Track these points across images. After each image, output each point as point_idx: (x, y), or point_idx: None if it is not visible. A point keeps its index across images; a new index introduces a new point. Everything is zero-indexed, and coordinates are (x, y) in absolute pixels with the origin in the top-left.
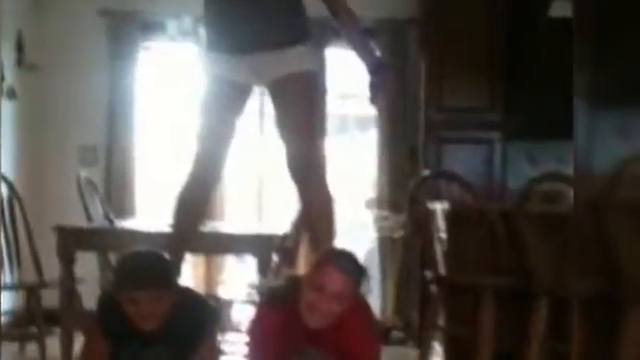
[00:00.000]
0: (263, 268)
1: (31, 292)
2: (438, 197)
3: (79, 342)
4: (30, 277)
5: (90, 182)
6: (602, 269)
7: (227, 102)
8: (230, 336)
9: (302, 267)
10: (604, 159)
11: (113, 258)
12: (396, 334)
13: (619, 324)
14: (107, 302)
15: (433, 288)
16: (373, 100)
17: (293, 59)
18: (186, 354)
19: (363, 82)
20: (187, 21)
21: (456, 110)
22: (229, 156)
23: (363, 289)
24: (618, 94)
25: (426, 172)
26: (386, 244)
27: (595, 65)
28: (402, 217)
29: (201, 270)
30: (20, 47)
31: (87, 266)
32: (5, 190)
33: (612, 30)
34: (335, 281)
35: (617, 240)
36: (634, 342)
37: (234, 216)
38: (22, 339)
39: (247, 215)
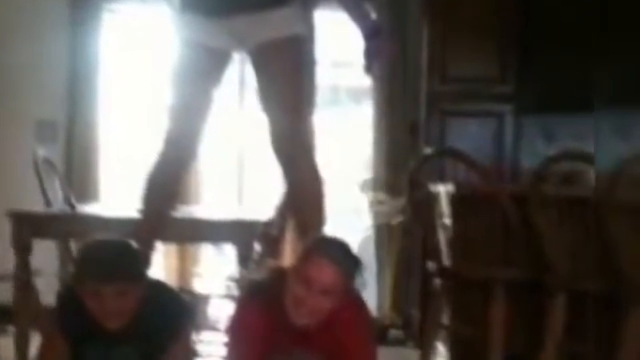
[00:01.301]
0: (244, 259)
1: None
2: (441, 178)
3: (36, 342)
4: None
5: (48, 162)
6: (602, 267)
7: (203, 71)
8: (206, 335)
9: (288, 257)
10: (604, 158)
11: (74, 247)
12: (394, 333)
13: (620, 323)
14: (67, 297)
15: (436, 281)
16: (368, 69)
17: (278, 22)
18: (157, 355)
19: (357, 49)
20: None
21: (462, 80)
22: (205, 132)
23: (357, 282)
24: (618, 94)
25: (428, 150)
26: (383, 232)
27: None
28: (401, 201)
29: (174, 261)
30: None
31: (45, 256)
32: None
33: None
34: (325, 273)
35: (617, 240)
36: (635, 341)
37: (211, 200)
38: None
39: (226, 199)
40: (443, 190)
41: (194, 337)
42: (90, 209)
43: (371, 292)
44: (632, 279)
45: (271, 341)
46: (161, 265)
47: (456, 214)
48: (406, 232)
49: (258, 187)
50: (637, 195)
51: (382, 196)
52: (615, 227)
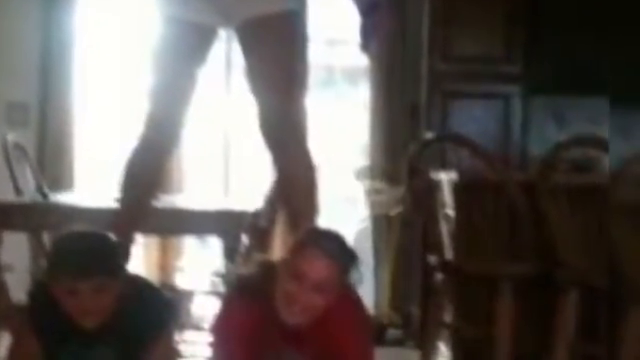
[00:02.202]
0: (230, 252)
1: None
2: (444, 165)
3: (5, 342)
4: None
5: (19, 147)
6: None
7: (186, 49)
8: (190, 335)
9: (278, 251)
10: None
11: (47, 240)
12: (393, 333)
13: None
14: (40, 294)
15: (438, 277)
16: (365, 47)
17: None
18: (136, 356)
19: (353, 25)
20: None
21: (466, 59)
22: (189, 115)
23: (352, 278)
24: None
25: (429, 135)
26: (380, 223)
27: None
28: (400, 190)
29: (155, 254)
30: None
31: (15, 250)
32: None
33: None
34: (318, 268)
35: (617, 239)
36: (635, 341)
37: (195, 189)
38: None
39: (211, 187)
40: (445, 178)
41: (177, 337)
42: (64, 198)
43: (368, 288)
44: (632, 278)
45: (260, 341)
46: (141, 259)
47: (459, 204)
48: (405, 223)
49: (246, 175)
50: (637, 195)
51: (379, 184)
52: (616, 226)
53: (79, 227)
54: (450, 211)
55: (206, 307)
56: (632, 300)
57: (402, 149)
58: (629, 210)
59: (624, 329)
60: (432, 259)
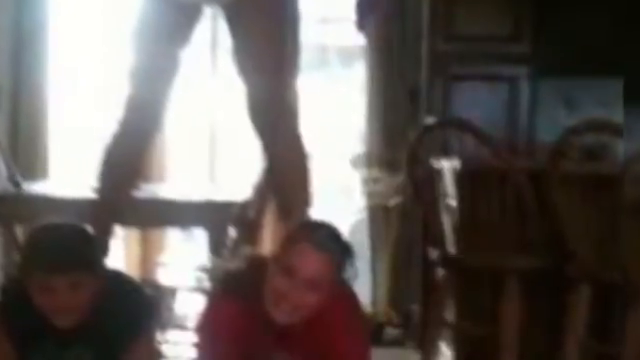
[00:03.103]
0: (216, 245)
1: None
2: (446, 152)
3: None
4: None
5: None
6: None
7: (169, 29)
8: (173, 335)
9: (267, 244)
10: None
11: (20, 232)
12: (391, 332)
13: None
14: (13, 291)
15: (439, 272)
16: (361, 25)
17: None
18: (115, 356)
19: (349, 2)
20: None
21: (470, 38)
22: (172, 99)
23: (347, 273)
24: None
25: (430, 120)
26: (378, 214)
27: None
28: (399, 179)
29: (135, 248)
30: None
31: None
32: None
33: None
34: (310, 263)
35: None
36: (635, 342)
37: (179, 178)
38: None
39: (196, 176)
40: (447, 166)
41: (158, 337)
42: (38, 188)
43: (364, 284)
44: (634, 278)
45: (248, 342)
46: (121, 253)
47: (462, 194)
48: (405, 215)
49: (233, 162)
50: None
51: (377, 173)
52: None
53: (54, 219)
54: (452, 201)
55: (190, 305)
56: (633, 300)
57: (401, 135)
58: (630, 209)
59: (625, 329)
60: (433, 253)
